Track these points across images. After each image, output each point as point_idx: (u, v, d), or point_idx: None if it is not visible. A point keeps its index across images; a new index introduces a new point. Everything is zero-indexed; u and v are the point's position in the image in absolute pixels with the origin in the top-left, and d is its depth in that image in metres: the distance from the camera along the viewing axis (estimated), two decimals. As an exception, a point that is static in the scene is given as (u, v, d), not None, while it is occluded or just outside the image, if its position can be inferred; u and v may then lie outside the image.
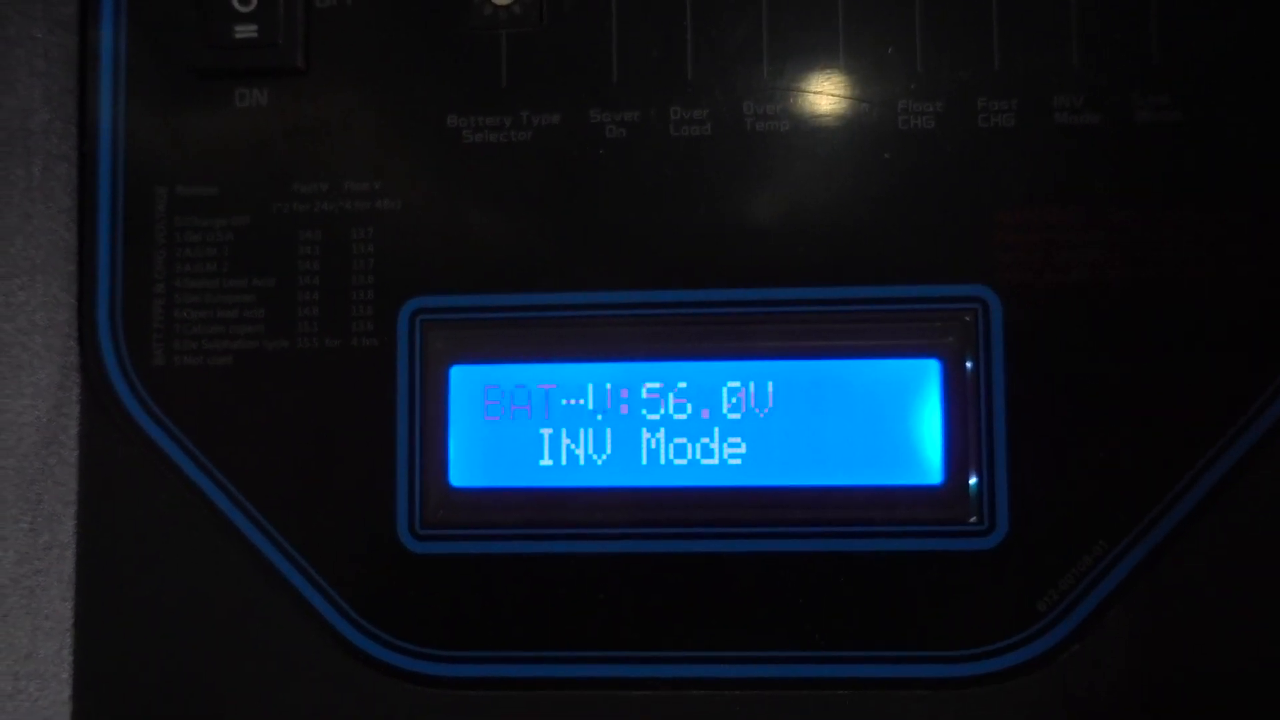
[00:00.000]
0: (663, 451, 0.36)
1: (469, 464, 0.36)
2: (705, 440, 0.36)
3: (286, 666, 0.36)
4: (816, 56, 0.36)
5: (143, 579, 0.37)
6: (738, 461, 0.36)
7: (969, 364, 0.35)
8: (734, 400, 0.36)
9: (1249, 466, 0.34)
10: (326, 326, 0.37)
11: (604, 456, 0.36)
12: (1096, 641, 0.34)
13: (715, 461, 0.36)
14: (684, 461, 0.36)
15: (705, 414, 0.36)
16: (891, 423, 0.36)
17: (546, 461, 0.36)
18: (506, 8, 0.37)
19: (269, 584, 0.36)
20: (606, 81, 0.37)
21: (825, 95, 0.36)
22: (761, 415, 0.36)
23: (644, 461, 0.36)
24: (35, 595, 0.37)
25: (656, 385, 0.36)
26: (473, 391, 0.37)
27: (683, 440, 0.36)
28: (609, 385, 0.36)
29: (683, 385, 0.36)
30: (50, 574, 0.37)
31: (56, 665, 0.37)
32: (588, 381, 0.36)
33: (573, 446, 0.36)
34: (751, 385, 0.36)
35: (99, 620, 0.37)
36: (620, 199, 0.36)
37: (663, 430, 0.36)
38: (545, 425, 0.36)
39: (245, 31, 0.37)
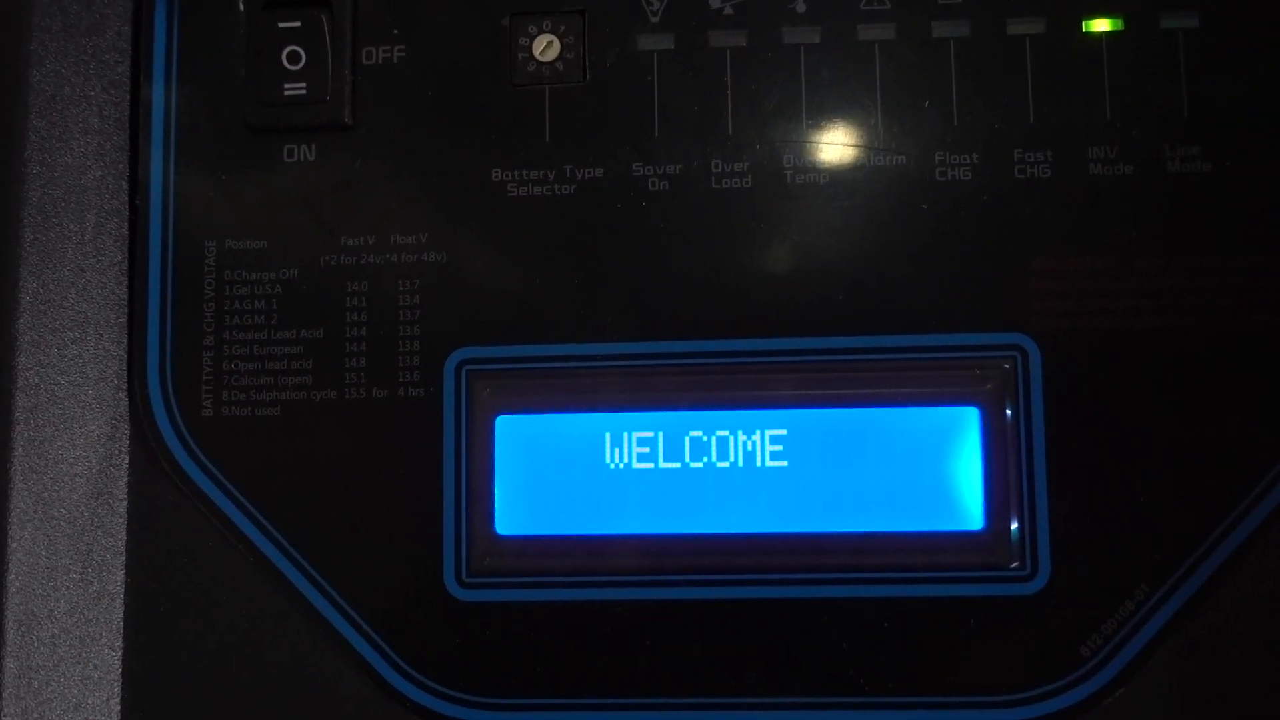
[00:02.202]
0: (707, 499, 0.36)
1: (515, 512, 0.37)
2: (749, 487, 0.36)
3: (333, 713, 0.37)
4: (854, 110, 0.37)
5: (191, 628, 0.37)
6: (782, 508, 0.36)
7: (1008, 411, 0.36)
8: (777, 448, 0.36)
9: (1287, 510, 0.35)
10: (374, 377, 0.37)
11: (648, 504, 0.37)
12: (1141, 686, 0.35)
13: (759, 508, 0.36)
14: (728, 508, 0.36)
15: (748, 461, 0.36)
16: (932, 469, 0.36)
17: (591, 509, 0.37)
18: (550, 64, 0.38)
19: (316, 632, 0.37)
20: (648, 135, 0.37)
21: (863, 148, 0.37)
22: (804, 462, 0.36)
23: (688, 508, 0.36)
24: (85, 645, 0.37)
25: (699, 434, 0.37)
26: (518, 441, 0.37)
27: (726, 487, 0.36)
28: (653, 434, 0.37)
29: (725, 434, 0.37)
30: (100, 624, 0.37)
31: (105, 715, 0.37)
32: (632, 430, 0.37)
33: (617, 494, 0.37)
34: (795, 433, 0.36)
35: (147, 670, 0.37)
36: (663, 251, 0.37)
37: (707, 478, 0.37)
38: (590, 474, 0.37)
39: (294, 89, 0.38)
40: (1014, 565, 0.35)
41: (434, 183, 0.38)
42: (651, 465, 0.37)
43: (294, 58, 0.38)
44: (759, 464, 0.36)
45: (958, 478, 0.36)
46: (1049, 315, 0.36)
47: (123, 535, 0.38)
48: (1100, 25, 0.37)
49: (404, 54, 0.38)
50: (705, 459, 0.37)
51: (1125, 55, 0.36)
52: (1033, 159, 0.36)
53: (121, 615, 0.37)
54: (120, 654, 0.37)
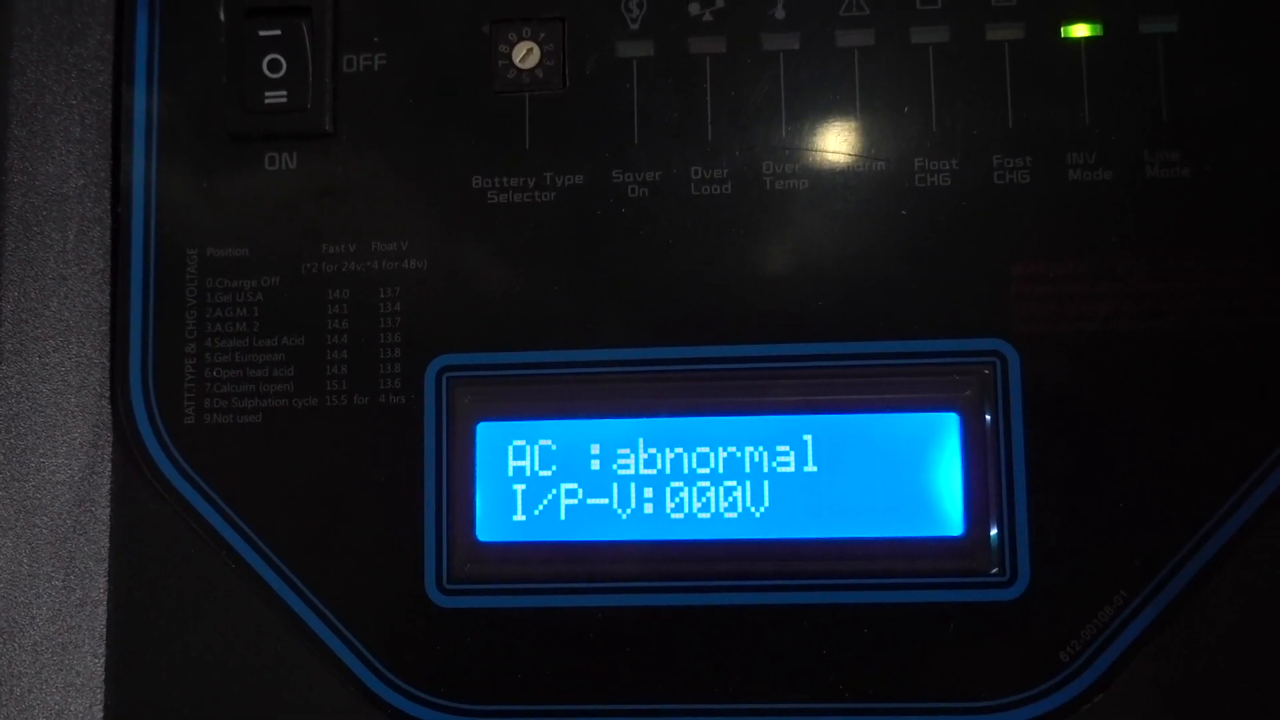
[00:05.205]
0: (686, 505, 0.36)
1: (496, 519, 0.37)
2: (728, 494, 0.36)
3: (315, 721, 0.37)
4: (834, 116, 0.37)
5: (174, 635, 0.37)
6: (761, 514, 0.36)
7: (988, 416, 0.36)
8: (756, 454, 0.36)
9: (1269, 514, 0.35)
10: (355, 384, 0.37)
11: (629, 510, 0.37)
12: (1121, 692, 0.35)
13: (738, 515, 0.36)
14: (707, 515, 0.36)
15: (727, 468, 0.36)
16: (911, 475, 0.36)
17: (572, 516, 0.37)
18: (530, 71, 0.38)
19: (299, 640, 0.37)
20: (628, 142, 0.37)
21: (842, 154, 0.37)
22: (783, 469, 0.36)
23: (668, 515, 0.36)
24: (68, 652, 0.37)
25: (679, 440, 0.37)
26: (499, 447, 0.37)
27: (706, 494, 0.36)
28: (633, 440, 0.37)
29: (704, 440, 0.37)
30: (82, 631, 0.37)
31: (88, 723, 0.37)
32: (612, 436, 0.37)
33: (598, 501, 0.37)
34: (773, 439, 0.36)
35: (130, 678, 0.37)
36: (642, 257, 0.37)
37: (686, 484, 0.37)
38: (571, 480, 0.37)
39: (275, 97, 0.38)
40: (993, 571, 0.35)
41: (415, 190, 0.38)
42: (631, 471, 0.37)
43: (275, 65, 0.38)
44: (739, 470, 0.36)
45: (937, 484, 0.36)
46: (1028, 320, 0.36)
47: (105, 543, 0.38)
48: (1079, 30, 0.37)
49: (384, 61, 0.38)
50: (686, 465, 0.37)
51: (1104, 60, 0.36)
52: (1012, 164, 0.36)
53: (104, 622, 0.37)
54: (103, 661, 0.37)
